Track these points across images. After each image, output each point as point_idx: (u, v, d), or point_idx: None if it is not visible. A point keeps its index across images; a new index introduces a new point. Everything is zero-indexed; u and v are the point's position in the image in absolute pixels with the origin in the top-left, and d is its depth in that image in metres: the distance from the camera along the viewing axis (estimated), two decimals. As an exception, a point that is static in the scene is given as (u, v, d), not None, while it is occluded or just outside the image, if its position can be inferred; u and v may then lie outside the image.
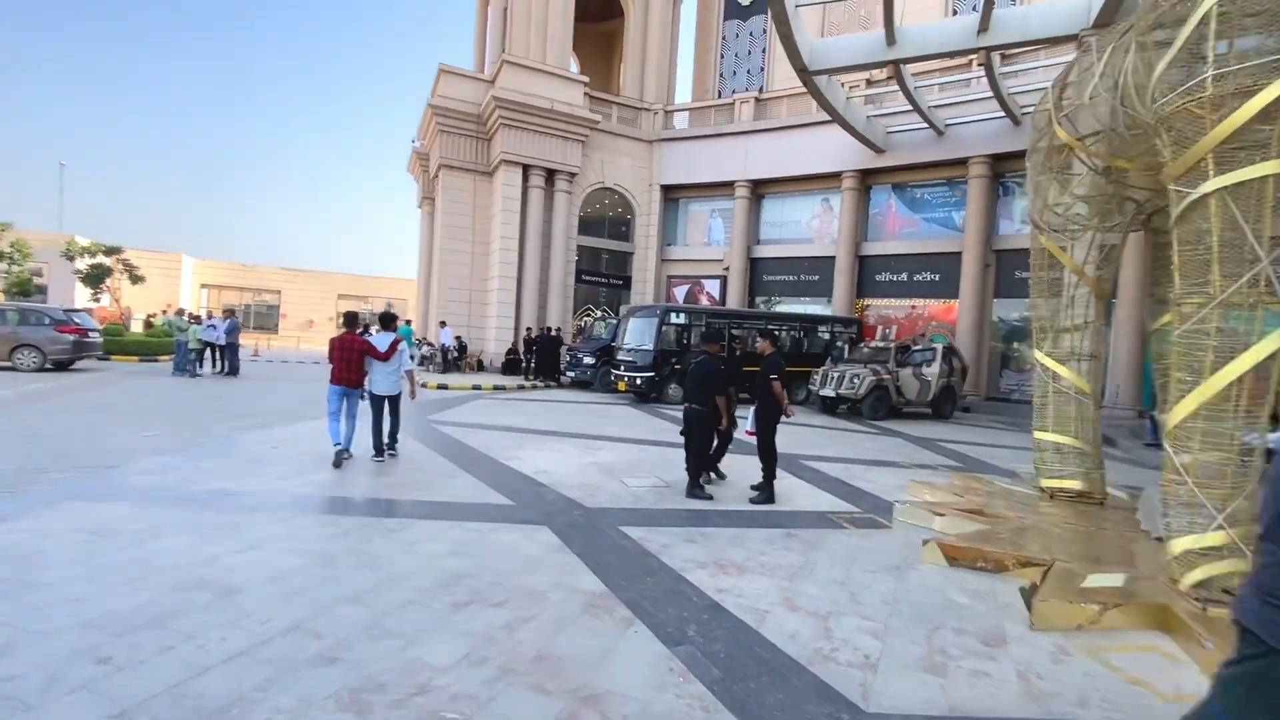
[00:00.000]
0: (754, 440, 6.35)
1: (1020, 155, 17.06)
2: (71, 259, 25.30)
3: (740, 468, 7.33)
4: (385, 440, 7.01)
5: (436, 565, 3.90)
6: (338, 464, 6.48)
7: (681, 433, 6.35)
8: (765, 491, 5.94)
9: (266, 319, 39.35)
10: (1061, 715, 2.61)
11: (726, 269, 22.06)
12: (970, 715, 2.56)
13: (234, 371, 15.81)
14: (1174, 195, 3.84)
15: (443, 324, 19.77)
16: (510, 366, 19.24)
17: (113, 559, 3.70)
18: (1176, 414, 3.77)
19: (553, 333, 18.61)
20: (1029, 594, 3.72)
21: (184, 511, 4.69)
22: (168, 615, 3.04)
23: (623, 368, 14.90)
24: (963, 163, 17.92)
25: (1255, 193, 3.45)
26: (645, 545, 4.46)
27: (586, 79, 21.21)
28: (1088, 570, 3.95)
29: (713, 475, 6.56)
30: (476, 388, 15.71)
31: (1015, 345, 17.95)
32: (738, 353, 14.36)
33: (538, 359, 17.97)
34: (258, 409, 10.52)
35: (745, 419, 6.29)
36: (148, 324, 23.38)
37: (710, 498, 5.89)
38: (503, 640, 2.97)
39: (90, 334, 15.10)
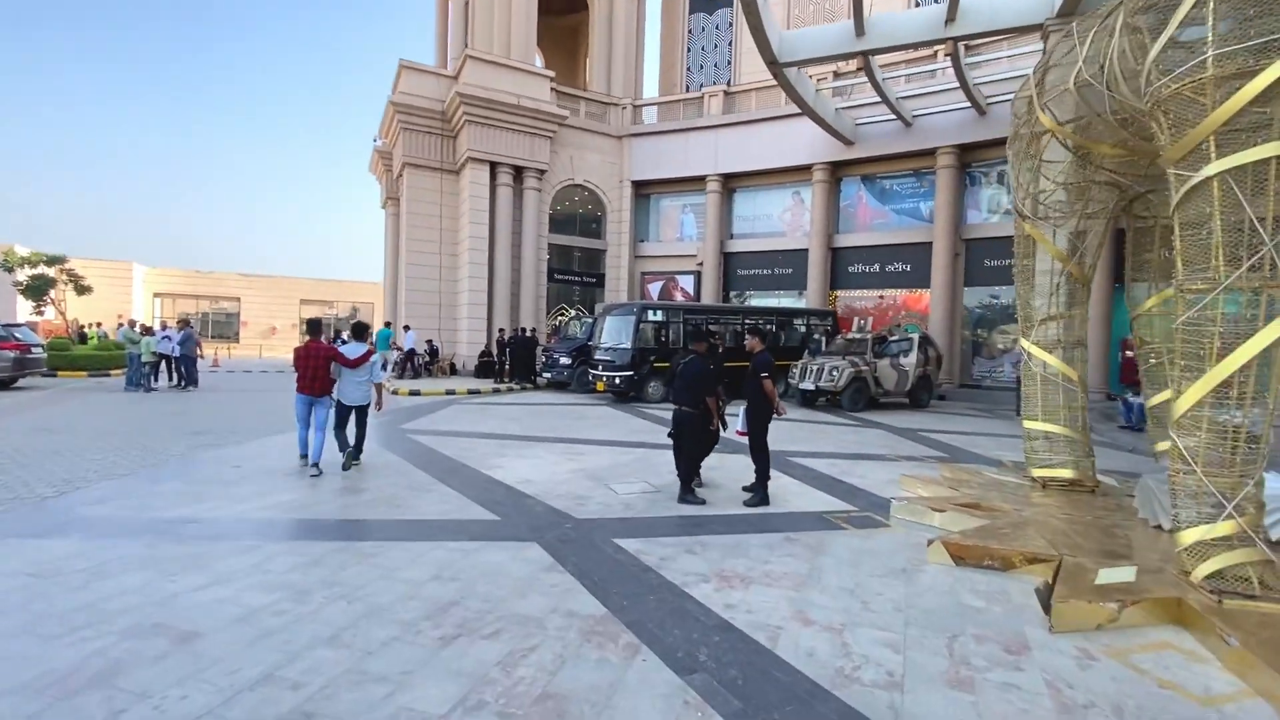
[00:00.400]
0: (744, 440, 6.19)
1: (986, 145, 17.43)
2: (10, 270, 23.89)
3: (726, 467, 7.18)
4: (350, 450, 6.94)
5: (419, 593, 3.61)
6: (318, 474, 6.47)
7: (670, 435, 6.15)
8: (759, 493, 5.76)
9: (226, 327, 37.92)
10: (1101, 730, 2.47)
11: (700, 264, 21.93)
12: (1009, 736, 2.40)
13: (191, 384, 15.07)
14: (1174, 179, 3.75)
15: (406, 328, 19.18)
16: (484, 369, 18.79)
17: (56, 605, 3.33)
18: (1183, 402, 3.70)
19: (527, 333, 18.23)
20: (1045, 594, 3.61)
21: (138, 544, 4.30)
22: (118, 670, 2.71)
23: (601, 367, 14.63)
24: (931, 153, 18.07)
25: (1258, 175, 3.38)
26: (643, 559, 4.24)
27: (552, 74, 20.80)
28: (1097, 564, 3.85)
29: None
30: (450, 392, 15.28)
31: (983, 332, 18.22)
32: (720, 349, 14.22)
33: (512, 361, 17.58)
34: (218, 424, 9.98)
35: (735, 418, 6.10)
36: (81, 335, 22.21)
37: (703, 502, 5.70)
38: (500, 680, 2.72)
39: (33, 349, 14.22)
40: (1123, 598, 3.42)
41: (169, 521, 4.82)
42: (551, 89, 20.56)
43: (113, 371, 17.59)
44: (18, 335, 14.07)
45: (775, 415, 5.89)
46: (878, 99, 17.16)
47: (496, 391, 16.03)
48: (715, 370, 6.12)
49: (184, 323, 16.13)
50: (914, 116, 17.93)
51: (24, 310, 25.88)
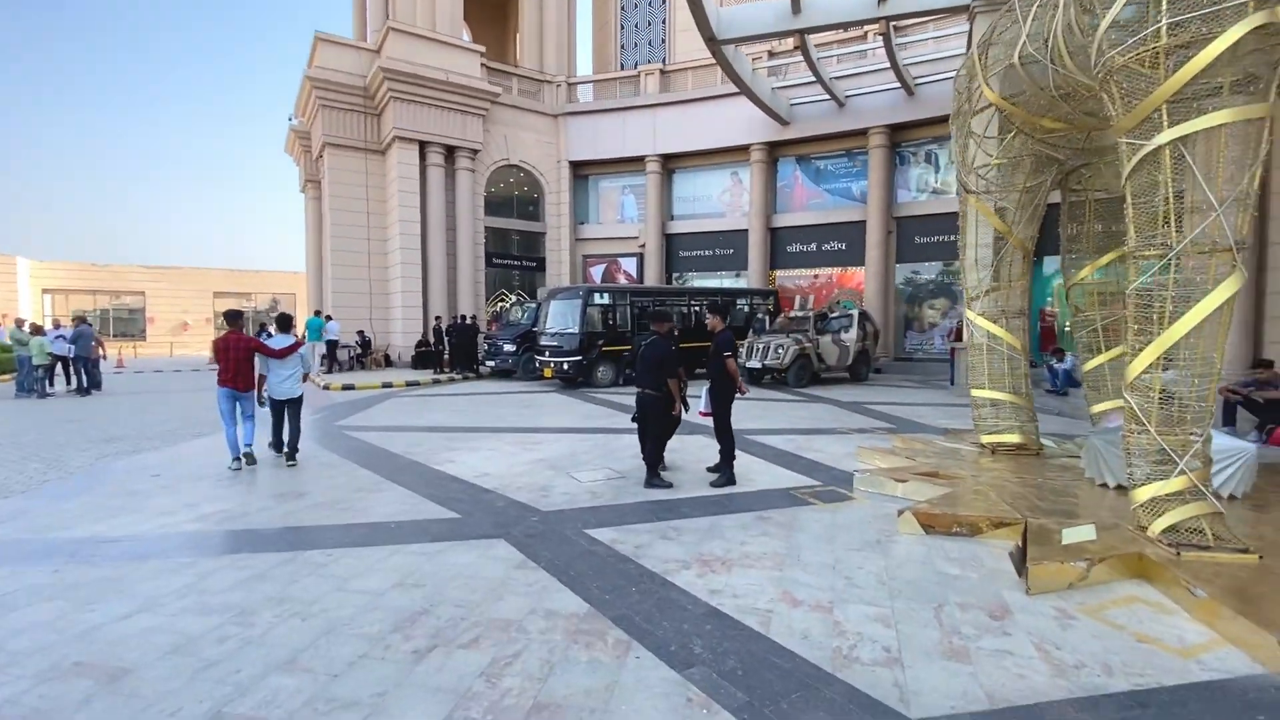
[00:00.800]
0: (705, 421, 6.12)
1: (915, 125, 17.97)
2: None
3: (686, 449, 7.11)
4: (286, 450, 6.69)
5: (383, 603, 3.32)
6: (238, 468, 6.29)
7: (634, 419, 6.00)
8: (726, 473, 5.70)
9: (130, 324, 34.81)
10: (1096, 688, 2.51)
11: (642, 246, 21.77)
12: (1014, 704, 2.40)
13: (94, 387, 13.69)
14: (1126, 149, 3.85)
15: (328, 317, 17.85)
16: (422, 359, 18.03)
17: (-56, 650, 2.84)
18: (1136, 365, 3.84)
19: (467, 320, 17.56)
20: (1018, 557, 3.69)
21: (44, 570, 3.78)
22: (32, 718, 2.32)
23: (547, 353, 14.29)
24: (863, 133, 18.51)
25: (1209, 142, 3.50)
26: (618, 549, 4.07)
27: (482, 48, 19.91)
28: (1059, 525, 3.98)
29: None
30: (387, 385, 14.56)
31: (914, 307, 18.97)
32: (676, 332, 14.14)
33: (453, 350, 16.93)
34: (127, 430, 9.08)
35: (698, 399, 6.00)
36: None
37: (670, 485, 5.59)
38: (485, 693, 2.50)
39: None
40: (1089, 556, 3.53)
41: (79, 542, 4.27)
42: (482, 65, 19.72)
43: (1, 376, 15.80)
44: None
45: (738, 394, 5.83)
46: (812, 79, 17.37)
47: (437, 382, 15.41)
48: (677, 351, 5.97)
49: (79, 320, 14.60)
50: (846, 97, 18.27)
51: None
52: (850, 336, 14.52)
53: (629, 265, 22.47)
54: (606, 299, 14.64)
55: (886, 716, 2.33)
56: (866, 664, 2.69)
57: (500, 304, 21.52)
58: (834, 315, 15.13)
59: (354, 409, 10.83)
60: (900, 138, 18.46)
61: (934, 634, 2.96)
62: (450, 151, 19.23)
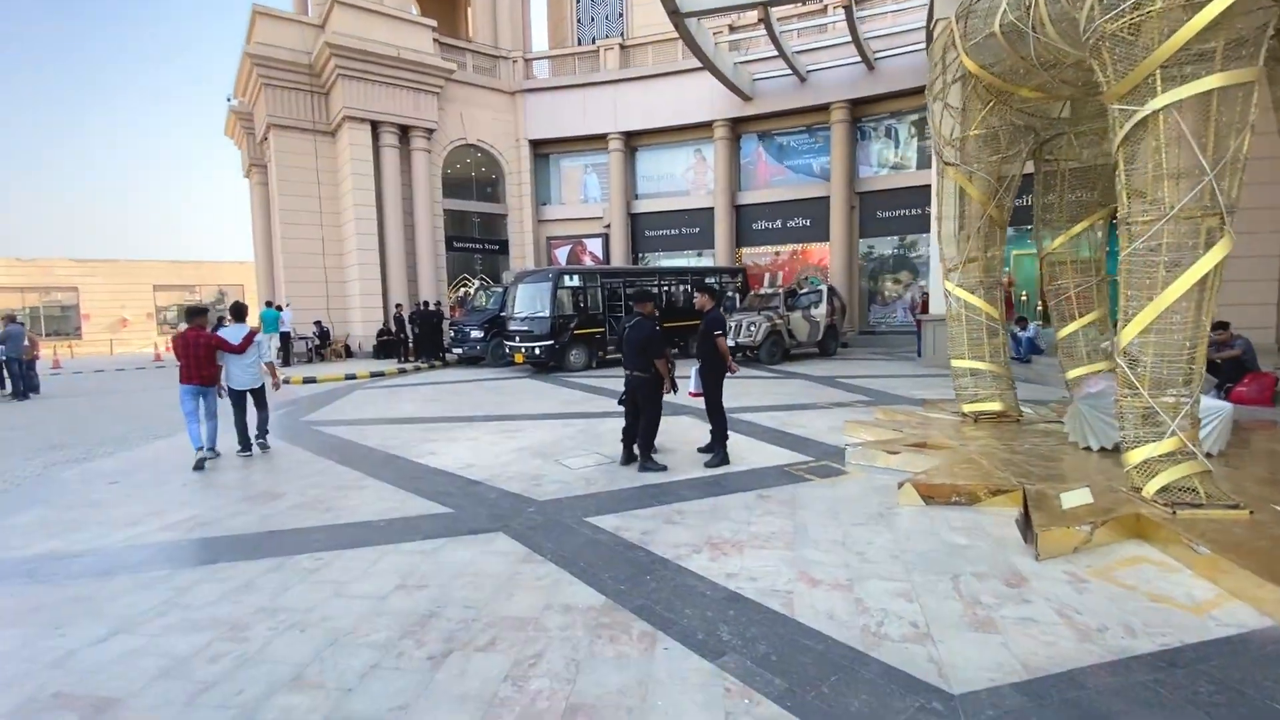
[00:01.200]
0: (695, 402, 6.03)
1: (876, 100, 18.08)
2: None
3: (671, 430, 7.03)
4: (254, 434, 6.74)
5: (386, 608, 3.15)
6: (199, 467, 6.08)
7: (620, 402, 5.88)
8: (720, 453, 5.65)
9: (63, 322, 32.66)
10: (1124, 650, 2.54)
11: (607, 226, 21.46)
12: (1050, 672, 2.41)
13: (31, 390, 12.78)
14: (1118, 115, 3.87)
15: (279, 308, 16.92)
16: (384, 349, 17.45)
17: (-104, 691, 2.55)
18: (1129, 330, 3.90)
19: (430, 307, 17.04)
20: (1023, 524, 3.74)
21: (2, 593, 3.45)
22: (11, 767, 2.09)
23: (518, 338, 13.98)
24: (825, 109, 18.53)
25: (1200, 108, 3.53)
26: (624, 536, 3.97)
27: (434, 23, 19.08)
28: (1055, 491, 4.06)
29: (634, 449, 5.98)
30: (351, 377, 14.05)
31: (877, 281, 19.28)
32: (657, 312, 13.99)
33: (417, 338, 16.43)
34: (75, 436, 8.48)
35: (688, 380, 5.91)
36: None
37: (665, 468, 5.51)
38: (515, 698, 2.37)
39: None
40: (1091, 520, 3.60)
41: (37, 559, 3.93)
42: (434, 40, 18.91)
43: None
44: None
45: (729, 373, 5.76)
46: (773, 53, 17.25)
47: (403, 372, 14.95)
48: (662, 332, 5.85)
49: (9, 319, 13.54)
50: (808, 71, 18.22)
51: None
52: (820, 312, 14.66)
53: (594, 246, 22.15)
54: (577, 281, 14.38)
55: (929, 694, 2.30)
56: (897, 641, 2.67)
57: (464, 289, 20.97)
58: (803, 291, 15.24)
59: (319, 403, 10.39)
60: (861, 112, 18.57)
61: (957, 606, 2.96)
62: (404, 131, 18.47)
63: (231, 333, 6.52)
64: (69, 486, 5.71)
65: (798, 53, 17.95)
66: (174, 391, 6.43)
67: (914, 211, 18.04)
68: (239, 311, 6.91)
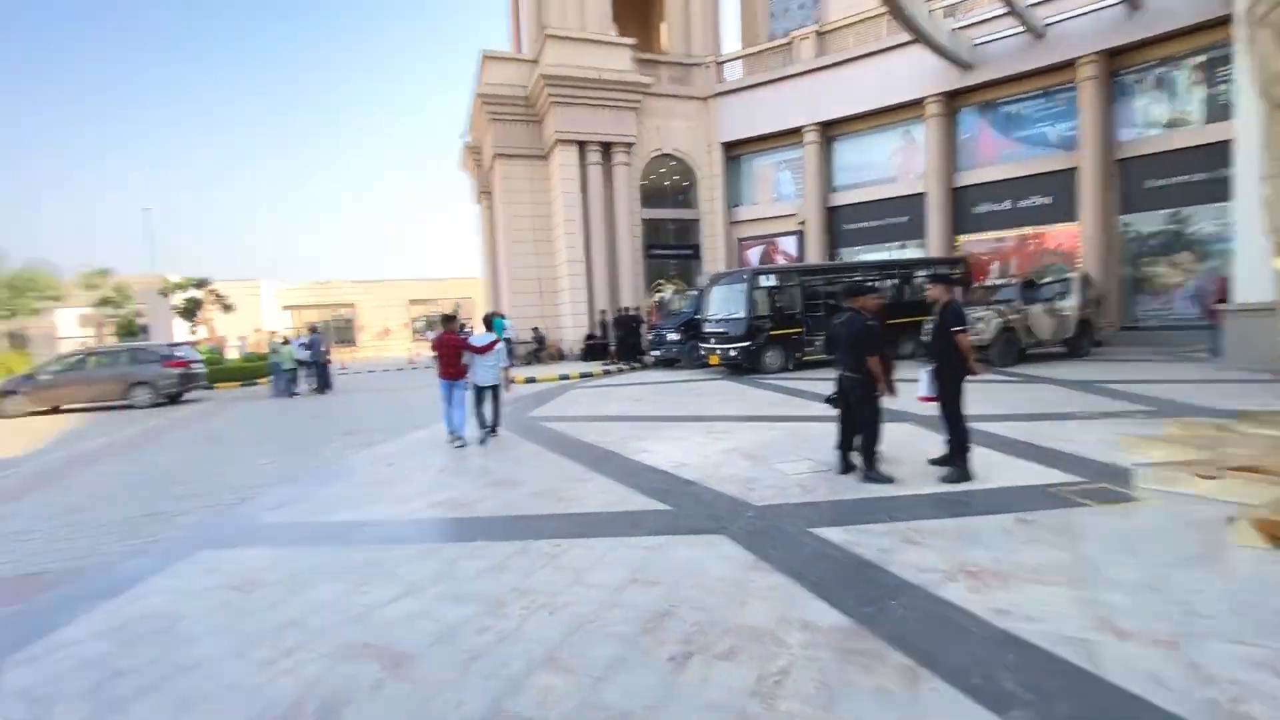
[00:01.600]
0: (923, 408, 5.40)
1: (1139, 46, 14.95)
2: (167, 295, 26.66)
3: (889, 439, 6.35)
4: (488, 428, 7.71)
5: (622, 600, 3.21)
6: (460, 444, 7.36)
7: (827, 400, 5.49)
8: (960, 467, 4.97)
9: (344, 333, 40.57)
10: None
11: (802, 223, 20.63)
12: None
13: (327, 387, 15.97)
14: None
15: (501, 316, 18.98)
16: (591, 352, 18.70)
17: (262, 623, 3.21)
18: None
19: (630, 312, 17.88)
20: None
21: (322, 552, 4.22)
22: (338, 699, 2.47)
23: (713, 340, 14.01)
24: (1068, 65, 15.75)
25: None
26: (857, 552, 3.63)
27: (633, 41, 20.04)
28: None
29: (850, 457, 5.48)
30: (564, 377, 15.24)
31: (1147, 266, 15.82)
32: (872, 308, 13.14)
33: (619, 341, 17.33)
34: (360, 424, 10.33)
35: (919, 382, 5.29)
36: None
37: (892, 480, 4.99)
38: (765, 717, 2.23)
39: (194, 365, 15.56)
40: None
41: (344, 526, 4.77)
42: (632, 58, 19.86)
43: (260, 380, 19.03)
44: (180, 354, 15.43)
45: (970, 375, 5.05)
46: (998, 11, 15.14)
47: (608, 373, 15.84)
48: (878, 327, 5.29)
49: (311, 329, 17.11)
50: (1046, 24, 15.66)
51: (180, 330, 28.75)
52: (1069, 304, 12.44)
53: (788, 245, 21.45)
54: (773, 280, 13.98)
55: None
56: (1271, 729, 2.02)
57: (659, 294, 21.66)
58: (1046, 281, 13.07)
59: (539, 400, 11.40)
60: (1119, 64, 15.47)
61: (1360, 692, 2.17)
62: (607, 148, 19.64)
63: (479, 339, 7.60)
64: (359, 466, 6.90)
65: (1033, 4, 15.51)
66: (425, 390, 7.68)
67: (1197, 177, 14.54)
68: (488, 322, 8.26)
